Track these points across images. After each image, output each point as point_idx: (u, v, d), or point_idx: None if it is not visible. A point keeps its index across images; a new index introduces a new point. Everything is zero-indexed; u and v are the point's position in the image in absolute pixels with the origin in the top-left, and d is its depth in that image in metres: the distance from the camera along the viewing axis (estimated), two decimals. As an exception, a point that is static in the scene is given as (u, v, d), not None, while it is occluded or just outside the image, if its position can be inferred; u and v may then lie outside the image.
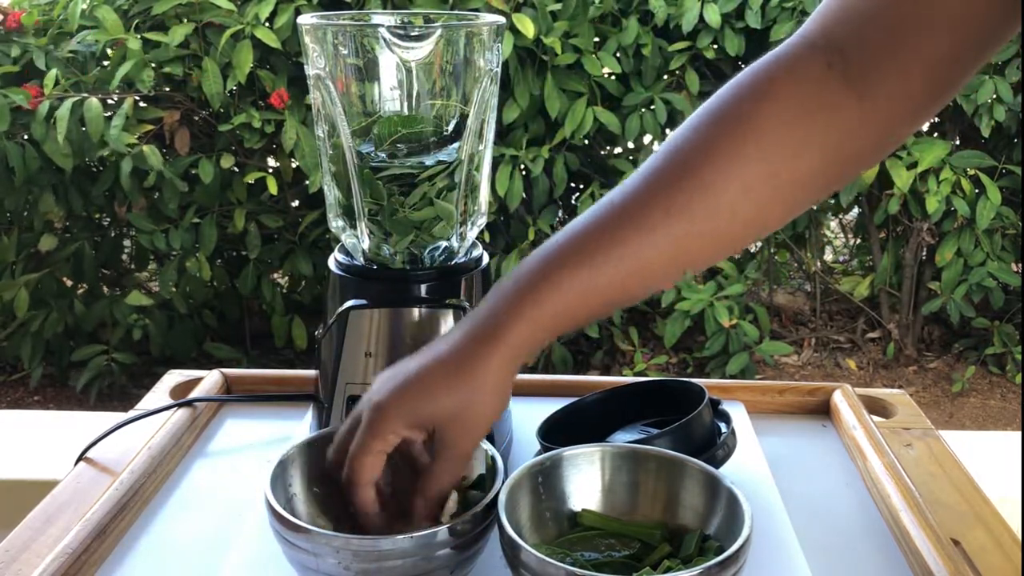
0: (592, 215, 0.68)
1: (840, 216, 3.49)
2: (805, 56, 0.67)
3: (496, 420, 0.70)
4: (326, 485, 0.74)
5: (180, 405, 1.03)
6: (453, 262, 0.88)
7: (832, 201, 3.15)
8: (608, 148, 3.14)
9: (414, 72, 0.84)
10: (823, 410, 1.07)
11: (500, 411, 0.69)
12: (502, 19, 0.86)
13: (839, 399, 1.05)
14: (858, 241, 3.57)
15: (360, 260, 0.88)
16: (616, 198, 0.68)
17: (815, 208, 3.17)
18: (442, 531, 0.67)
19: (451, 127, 0.86)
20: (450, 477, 0.69)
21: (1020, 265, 3.20)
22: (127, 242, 3.21)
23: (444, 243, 0.86)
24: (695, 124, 0.68)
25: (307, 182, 2.77)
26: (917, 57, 0.64)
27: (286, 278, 3.20)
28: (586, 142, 3.03)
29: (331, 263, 0.90)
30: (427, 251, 0.86)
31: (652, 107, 2.87)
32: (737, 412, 1.00)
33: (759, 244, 3.35)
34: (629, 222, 0.66)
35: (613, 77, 2.91)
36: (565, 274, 0.66)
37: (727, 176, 0.66)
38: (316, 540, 0.67)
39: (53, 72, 2.66)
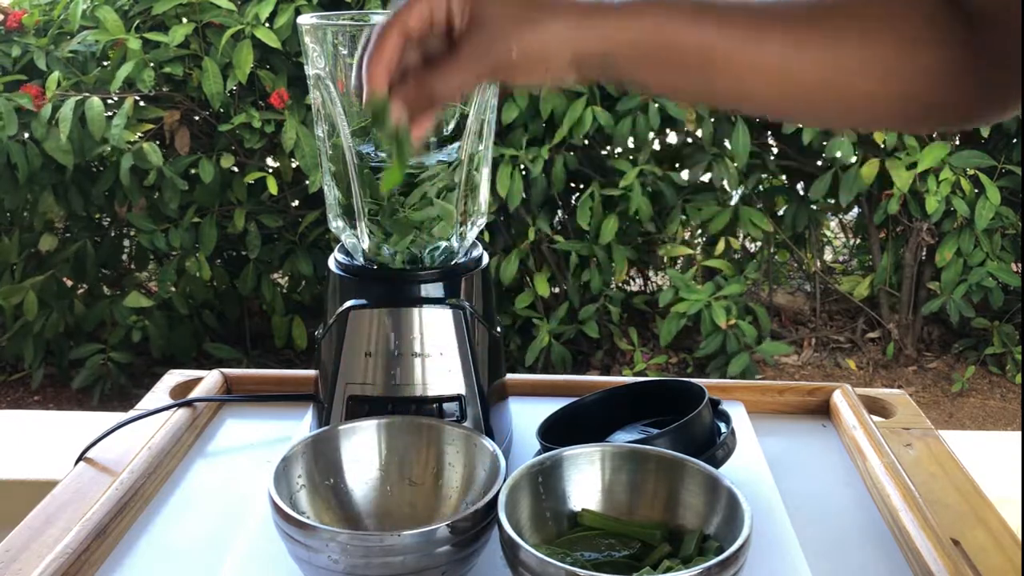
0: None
1: (840, 216, 3.49)
2: None
3: (538, 72, 0.62)
4: (331, 481, 0.75)
5: (180, 405, 1.03)
6: (453, 262, 0.88)
7: (832, 201, 3.15)
8: (607, 148, 3.14)
9: (414, 72, 0.83)
10: (823, 410, 1.07)
11: (549, 65, 0.61)
12: (502, 19, 0.86)
13: (839, 399, 1.05)
14: (858, 241, 3.57)
15: (360, 260, 0.88)
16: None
17: (815, 208, 3.17)
18: (441, 528, 0.67)
19: (451, 127, 0.86)
20: (457, 78, 0.61)
21: (1020, 265, 3.20)
22: (127, 242, 3.21)
23: (444, 243, 0.87)
24: None
25: (307, 182, 2.77)
26: None
27: (286, 278, 3.20)
28: (585, 142, 3.03)
29: (331, 263, 0.90)
30: (427, 251, 0.86)
31: (646, 112, 2.86)
32: (737, 412, 1.00)
33: (759, 244, 3.35)
34: (760, 15, 0.63)
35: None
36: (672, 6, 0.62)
37: (856, 37, 0.63)
38: (319, 536, 0.67)
39: (55, 74, 2.66)
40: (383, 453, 0.80)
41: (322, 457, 0.78)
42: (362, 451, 0.80)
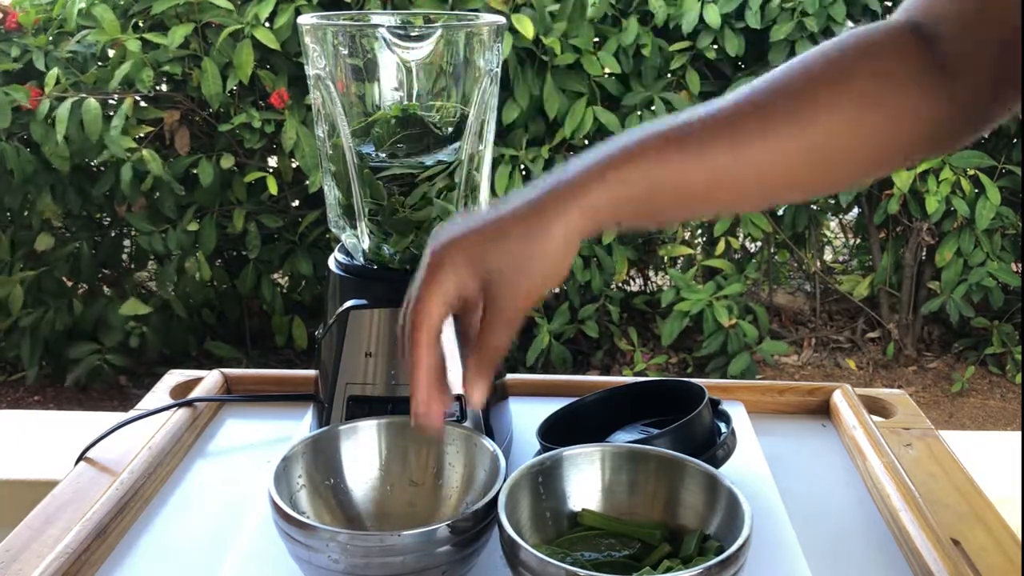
0: (689, 114, 0.67)
1: (840, 216, 3.49)
2: (907, 33, 0.68)
3: (553, 286, 0.67)
4: (331, 481, 0.75)
5: (180, 405, 1.03)
6: (453, 262, 0.88)
7: (832, 201, 3.15)
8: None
9: (414, 72, 0.84)
10: (823, 410, 1.07)
11: (561, 274, 0.66)
12: (502, 19, 0.86)
13: (839, 399, 1.05)
14: (858, 241, 3.57)
15: (360, 260, 0.88)
16: (714, 106, 0.67)
17: (815, 208, 3.17)
18: (441, 528, 0.67)
19: (451, 127, 0.86)
20: (504, 334, 0.65)
21: (1020, 265, 3.20)
22: (127, 242, 3.21)
23: (444, 243, 0.86)
24: (803, 59, 0.68)
25: (307, 182, 2.77)
26: (1014, 64, 0.64)
27: (286, 278, 3.20)
28: (586, 142, 3.03)
29: (331, 263, 0.90)
30: (427, 251, 0.86)
31: (652, 107, 2.87)
32: (737, 412, 1.00)
33: (759, 244, 3.36)
34: (725, 124, 0.66)
35: (613, 77, 2.91)
36: (653, 154, 0.65)
37: (817, 108, 0.66)
38: (319, 536, 0.67)
39: (54, 71, 2.66)
40: (383, 453, 0.80)
41: (322, 457, 0.78)
42: (362, 451, 0.80)
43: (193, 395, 1.06)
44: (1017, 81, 0.64)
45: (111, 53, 2.82)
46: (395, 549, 0.66)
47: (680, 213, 0.72)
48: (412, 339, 0.65)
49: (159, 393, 1.09)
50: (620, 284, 3.26)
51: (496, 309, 0.65)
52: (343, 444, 0.79)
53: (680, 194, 0.66)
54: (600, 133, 2.92)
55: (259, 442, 1.00)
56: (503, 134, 2.85)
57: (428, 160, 0.84)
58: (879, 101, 0.67)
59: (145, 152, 2.70)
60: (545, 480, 0.74)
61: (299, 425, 0.99)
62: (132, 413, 1.02)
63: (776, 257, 3.44)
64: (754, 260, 3.29)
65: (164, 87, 2.87)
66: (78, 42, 2.76)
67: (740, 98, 0.67)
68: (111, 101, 2.77)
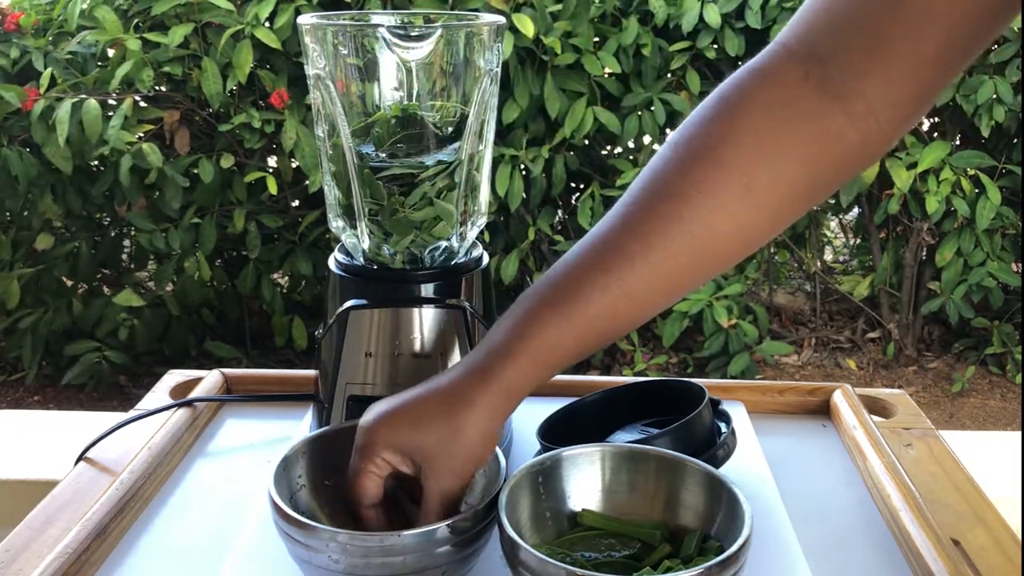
0: (577, 250, 0.69)
1: (840, 216, 3.49)
2: (782, 65, 0.66)
3: (480, 465, 0.70)
4: (331, 481, 0.75)
5: (180, 405, 1.03)
6: (453, 262, 0.88)
7: (832, 201, 3.15)
8: (608, 148, 3.14)
9: (414, 72, 0.84)
10: (823, 410, 1.07)
11: (485, 455, 0.69)
12: (502, 19, 0.86)
13: (839, 399, 1.05)
14: (858, 241, 3.57)
15: (360, 260, 0.88)
16: (599, 229, 0.68)
17: (815, 208, 3.17)
18: (441, 528, 0.67)
19: (451, 127, 0.86)
20: (437, 514, 0.68)
21: (1020, 265, 3.20)
22: (127, 242, 3.21)
23: (444, 243, 0.87)
24: (672, 145, 0.68)
25: (307, 182, 2.77)
26: (900, 63, 0.62)
27: (286, 278, 3.20)
28: (586, 142, 3.03)
29: (331, 263, 0.90)
30: (427, 251, 0.86)
31: (651, 108, 2.87)
32: (737, 412, 1.00)
33: (759, 244, 3.35)
34: (611, 252, 0.67)
35: (613, 77, 2.91)
36: (548, 311, 0.67)
37: (702, 195, 0.65)
38: (319, 536, 0.67)
39: (48, 71, 2.66)
40: (383, 453, 0.80)
41: (322, 457, 0.78)
42: (362, 451, 0.79)
43: (193, 395, 1.06)
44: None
45: (111, 53, 2.82)
46: (395, 549, 0.66)
47: (613, 334, 0.71)
48: (357, 511, 0.70)
49: (159, 393, 1.09)
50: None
51: (428, 485, 0.68)
52: (343, 444, 0.79)
53: (599, 326, 0.68)
54: (600, 133, 2.92)
55: (259, 442, 1.00)
56: (503, 134, 2.85)
57: (428, 160, 0.84)
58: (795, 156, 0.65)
59: (145, 145, 2.70)
60: (545, 480, 0.74)
61: (299, 425, 0.99)
62: (132, 413, 1.02)
63: (776, 257, 3.43)
64: (754, 260, 3.29)
65: (164, 87, 2.87)
66: (78, 43, 2.76)
67: (621, 214, 0.67)
68: (111, 101, 2.77)
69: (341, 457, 0.79)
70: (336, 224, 0.89)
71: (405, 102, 0.85)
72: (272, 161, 3.01)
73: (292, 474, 0.75)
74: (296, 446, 0.76)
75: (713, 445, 0.84)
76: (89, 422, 1.61)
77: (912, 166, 2.90)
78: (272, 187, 2.81)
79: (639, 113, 2.86)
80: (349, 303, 0.85)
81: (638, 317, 0.70)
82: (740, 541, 0.64)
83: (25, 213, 2.97)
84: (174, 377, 1.13)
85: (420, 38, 0.82)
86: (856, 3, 0.63)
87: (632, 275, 0.66)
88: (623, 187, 2.84)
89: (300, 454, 0.76)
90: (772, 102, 0.65)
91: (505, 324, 0.68)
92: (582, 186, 3.12)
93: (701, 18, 2.82)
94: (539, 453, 0.83)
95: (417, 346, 0.85)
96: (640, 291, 0.67)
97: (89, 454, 0.96)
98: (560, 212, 3.12)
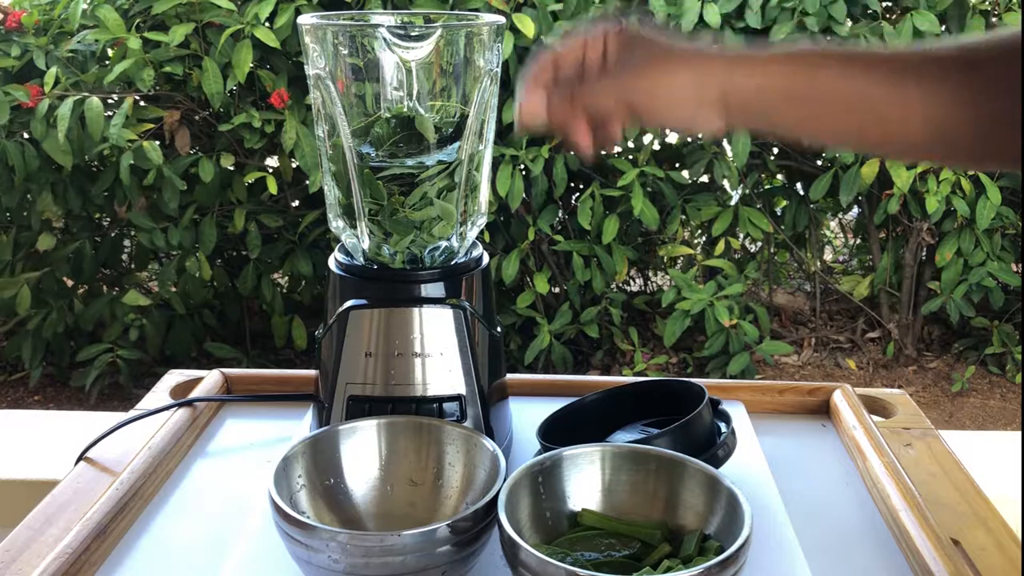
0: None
1: (840, 216, 3.49)
2: None
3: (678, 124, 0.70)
4: (331, 481, 0.75)
5: (180, 405, 1.03)
6: (453, 262, 0.88)
7: (832, 201, 3.15)
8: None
9: (414, 72, 0.84)
10: (823, 410, 1.07)
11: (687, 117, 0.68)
12: (502, 19, 0.86)
13: (839, 399, 1.05)
14: (858, 241, 3.57)
15: (360, 260, 0.88)
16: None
17: (815, 208, 3.17)
18: (441, 528, 0.67)
19: (451, 127, 0.86)
20: (608, 95, 0.67)
21: (1020, 265, 3.20)
22: (127, 242, 3.21)
23: (444, 243, 0.87)
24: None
25: (307, 182, 2.77)
26: None
27: (286, 278, 3.20)
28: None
29: (331, 263, 0.90)
30: (427, 251, 0.86)
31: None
32: (737, 412, 1.00)
33: (759, 244, 3.35)
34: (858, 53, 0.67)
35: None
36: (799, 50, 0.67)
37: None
38: (319, 536, 0.67)
39: (53, 70, 2.66)
40: (383, 453, 0.80)
41: (322, 457, 0.78)
42: (362, 451, 0.80)
43: (193, 395, 1.06)
44: None
45: (111, 53, 2.82)
46: (395, 549, 0.66)
47: (826, 123, 0.69)
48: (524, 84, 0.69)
49: (159, 393, 1.09)
50: (620, 284, 3.25)
51: (609, 76, 0.67)
52: (343, 444, 0.79)
53: (834, 102, 0.66)
54: (600, 133, 2.91)
55: (259, 442, 1.00)
56: (503, 134, 2.85)
57: (428, 160, 0.84)
58: None
59: (146, 143, 2.69)
60: (545, 480, 0.74)
61: (299, 425, 0.99)
62: (132, 413, 1.02)
63: (776, 257, 3.43)
64: (754, 260, 3.29)
65: (164, 87, 2.87)
66: (79, 42, 2.76)
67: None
68: (111, 100, 2.77)
69: (341, 457, 0.79)
70: (336, 224, 0.89)
71: (405, 102, 0.85)
72: (272, 161, 3.01)
73: (292, 474, 0.75)
74: (296, 446, 0.76)
75: (713, 445, 0.84)
76: (89, 422, 1.61)
77: (912, 166, 2.90)
78: (272, 187, 2.81)
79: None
80: (349, 303, 0.85)
81: (881, 130, 0.68)
82: (740, 541, 0.64)
83: (25, 213, 2.97)
84: (174, 377, 1.13)
85: (420, 38, 0.82)
86: None
87: (912, 87, 0.65)
88: (623, 187, 2.84)
89: (300, 454, 0.76)
90: None
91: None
92: (582, 186, 3.12)
93: (701, 18, 2.81)
94: (539, 453, 0.83)
95: (417, 346, 0.85)
96: (907, 109, 0.65)
97: (89, 454, 0.96)
98: (560, 212, 3.12)
